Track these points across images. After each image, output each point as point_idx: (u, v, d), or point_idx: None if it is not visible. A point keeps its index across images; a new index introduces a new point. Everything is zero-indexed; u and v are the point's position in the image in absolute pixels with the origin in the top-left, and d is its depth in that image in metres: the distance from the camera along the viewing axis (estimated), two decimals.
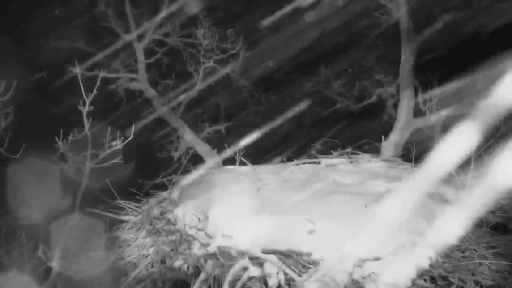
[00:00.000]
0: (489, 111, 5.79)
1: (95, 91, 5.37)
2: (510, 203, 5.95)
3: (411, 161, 7.11)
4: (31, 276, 5.26)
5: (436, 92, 7.62)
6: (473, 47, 7.90)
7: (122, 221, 6.56)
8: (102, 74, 5.82)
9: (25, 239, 5.46)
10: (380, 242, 4.85)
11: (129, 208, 6.72)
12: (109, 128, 5.51)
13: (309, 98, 9.55)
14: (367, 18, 8.43)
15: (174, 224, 5.89)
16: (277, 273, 4.89)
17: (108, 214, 6.48)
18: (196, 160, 8.31)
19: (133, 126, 5.67)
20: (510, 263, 5.06)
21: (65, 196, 5.74)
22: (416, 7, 7.69)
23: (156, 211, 6.38)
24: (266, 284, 4.91)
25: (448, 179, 6.57)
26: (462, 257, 5.10)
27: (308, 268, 4.86)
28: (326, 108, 9.38)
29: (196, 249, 5.41)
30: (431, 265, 4.82)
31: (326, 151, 7.58)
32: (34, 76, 7.84)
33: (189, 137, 8.33)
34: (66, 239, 5.43)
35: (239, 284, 4.93)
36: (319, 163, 7.26)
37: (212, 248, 5.27)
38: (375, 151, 7.61)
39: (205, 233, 5.56)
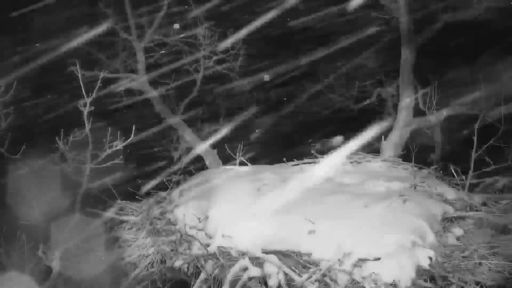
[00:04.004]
0: None
1: (95, 91, 5.37)
2: (510, 203, 5.96)
3: (411, 161, 7.11)
4: (31, 276, 5.26)
5: (436, 91, 7.63)
6: (473, 46, 7.91)
7: (122, 221, 6.55)
8: (102, 74, 5.82)
9: (25, 239, 5.46)
10: (381, 242, 4.85)
11: (129, 208, 6.72)
12: (109, 128, 5.51)
13: (309, 98, 9.57)
14: (367, 18, 8.43)
15: (174, 224, 5.89)
16: (277, 273, 4.89)
17: (108, 214, 6.47)
18: (196, 160, 8.31)
19: (133, 126, 5.67)
20: (510, 263, 5.07)
21: (65, 196, 5.74)
22: (416, 7, 7.69)
23: (156, 211, 6.39)
24: (266, 284, 4.91)
25: (448, 179, 6.59)
26: (462, 257, 5.11)
27: (308, 268, 4.86)
28: (326, 108, 9.37)
29: (196, 249, 5.42)
30: (431, 265, 4.82)
31: (326, 151, 7.57)
32: (34, 76, 7.82)
33: (189, 137, 8.32)
34: (66, 239, 5.43)
35: (239, 284, 4.94)
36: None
37: (212, 248, 5.27)
38: (375, 151, 7.61)
39: (205, 233, 5.56)
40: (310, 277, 4.74)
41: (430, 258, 4.86)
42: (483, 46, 7.77)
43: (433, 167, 6.93)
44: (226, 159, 7.85)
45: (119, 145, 5.57)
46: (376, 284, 4.63)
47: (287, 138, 9.25)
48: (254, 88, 9.59)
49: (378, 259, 4.72)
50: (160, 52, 8.41)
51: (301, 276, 4.78)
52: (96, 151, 5.58)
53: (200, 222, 5.68)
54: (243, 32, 8.47)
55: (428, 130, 7.96)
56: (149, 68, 8.39)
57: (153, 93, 8.32)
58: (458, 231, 5.51)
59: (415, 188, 6.05)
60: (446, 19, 7.80)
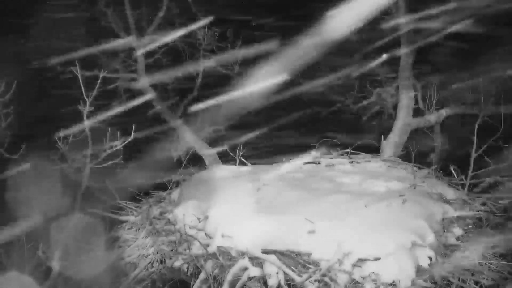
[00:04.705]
0: None
1: (95, 91, 5.37)
2: (510, 203, 5.97)
3: (411, 161, 7.11)
4: (31, 276, 5.26)
5: (436, 91, 7.63)
6: (473, 46, 7.91)
7: (122, 221, 6.55)
8: (102, 74, 5.83)
9: (25, 239, 5.46)
10: (380, 242, 4.85)
11: (129, 208, 6.72)
12: (109, 128, 5.52)
13: (309, 98, 9.55)
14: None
15: (174, 224, 5.89)
16: (277, 273, 4.89)
17: (108, 214, 6.48)
18: (196, 160, 8.31)
19: (133, 126, 5.67)
20: (510, 263, 5.08)
21: (65, 196, 5.74)
22: (416, 7, 7.69)
23: (155, 211, 6.38)
24: (266, 284, 4.91)
25: (448, 179, 6.59)
26: (462, 257, 5.11)
27: (308, 268, 4.86)
28: (326, 108, 9.37)
29: (196, 249, 5.41)
30: (431, 265, 4.82)
31: (326, 151, 7.57)
32: (34, 76, 7.82)
33: (189, 137, 8.32)
34: (66, 239, 5.43)
35: (239, 284, 4.94)
36: (319, 163, 7.26)
37: (212, 248, 5.26)
38: (375, 151, 7.61)
39: (205, 233, 5.56)
40: (310, 277, 4.74)
41: (430, 258, 4.87)
42: (483, 45, 7.77)
43: (432, 167, 6.93)
44: (226, 159, 7.85)
45: (118, 145, 5.57)
46: (376, 284, 4.63)
47: (287, 138, 9.24)
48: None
49: (378, 259, 4.72)
50: (160, 52, 8.40)
51: (301, 276, 4.78)
52: (96, 151, 5.58)
53: (200, 222, 5.68)
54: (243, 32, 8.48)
55: (428, 130, 7.97)
56: (148, 68, 8.39)
57: (152, 93, 8.31)
58: (458, 231, 5.51)
59: (414, 188, 6.05)
60: (446, 18, 7.80)
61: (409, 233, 4.97)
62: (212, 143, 8.49)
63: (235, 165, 7.47)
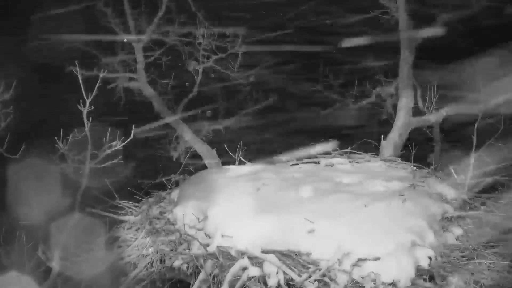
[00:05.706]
0: None
1: (95, 91, 5.37)
2: (510, 203, 5.97)
3: (410, 161, 7.12)
4: (31, 276, 5.26)
5: (435, 91, 7.64)
6: (472, 46, 7.91)
7: (122, 221, 6.55)
8: (102, 74, 5.82)
9: (25, 239, 5.46)
10: (380, 242, 4.86)
11: (129, 208, 6.72)
12: (109, 128, 5.51)
13: (309, 98, 9.56)
14: (366, 17, 8.43)
15: (173, 224, 5.90)
16: (277, 273, 4.90)
17: (107, 214, 6.48)
18: (195, 159, 8.31)
19: (133, 126, 5.67)
20: (510, 263, 5.08)
21: (65, 196, 5.74)
22: (416, 7, 7.70)
23: (155, 211, 6.39)
24: (265, 284, 4.91)
25: (448, 179, 6.59)
26: (462, 257, 5.11)
27: (308, 268, 4.87)
28: (326, 108, 9.37)
29: (196, 249, 5.42)
30: (431, 265, 4.83)
31: (326, 151, 7.57)
32: (34, 76, 7.82)
33: (188, 137, 8.32)
34: (66, 239, 5.43)
35: (238, 284, 4.94)
36: (319, 163, 7.26)
37: (211, 248, 5.27)
38: (375, 151, 7.61)
39: (205, 233, 5.56)
40: (310, 276, 4.75)
41: (430, 258, 4.88)
42: (482, 45, 7.77)
43: (432, 166, 6.93)
44: (226, 159, 7.84)
45: (118, 145, 5.56)
46: (375, 283, 4.64)
47: (286, 138, 9.24)
48: (253, 88, 9.58)
49: (378, 258, 4.72)
50: (159, 52, 8.41)
51: (301, 276, 4.79)
52: (96, 151, 5.58)
53: (199, 222, 5.68)
54: (242, 31, 8.49)
55: (428, 130, 7.97)
56: (148, 67, 8.39)
57: (152, 93, 8.32)
58: (457, 230, 5.51)
59: (414, 187, 6.05)
60: (445, 19, 7.82)
61: (409, 233, 4.98)
62: (211, 142, 8.50)
63: (234, 165, 7.47)
